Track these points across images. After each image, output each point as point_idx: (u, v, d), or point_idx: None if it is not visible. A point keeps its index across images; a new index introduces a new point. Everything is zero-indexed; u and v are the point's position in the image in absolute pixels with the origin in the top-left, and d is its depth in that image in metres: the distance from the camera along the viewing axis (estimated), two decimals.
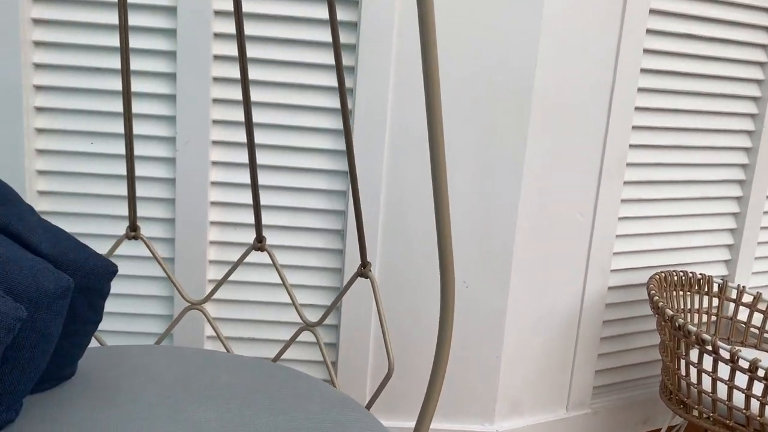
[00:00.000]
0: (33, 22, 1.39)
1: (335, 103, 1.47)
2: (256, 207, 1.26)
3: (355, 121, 1.47)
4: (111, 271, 1.01)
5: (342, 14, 1.43)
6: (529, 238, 1.61)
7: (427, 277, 1.57)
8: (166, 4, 1.39)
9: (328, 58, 1.45)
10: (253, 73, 1.45)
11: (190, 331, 1.54)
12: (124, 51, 1.13)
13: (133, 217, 1.27)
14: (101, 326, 1.53)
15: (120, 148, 1.46)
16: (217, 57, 1.43)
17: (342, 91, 1.07)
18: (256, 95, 1.46)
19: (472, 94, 1.50)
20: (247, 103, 1.17)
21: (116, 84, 1.43)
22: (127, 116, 1.19)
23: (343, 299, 1.55)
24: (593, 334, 1.75)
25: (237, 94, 1.45)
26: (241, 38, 1.12)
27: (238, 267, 1.47)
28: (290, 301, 1.55)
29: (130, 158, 1.22)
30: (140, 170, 1.47)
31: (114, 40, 1.41)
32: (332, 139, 1.49)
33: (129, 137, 1.20)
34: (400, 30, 1.44)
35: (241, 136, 1.47)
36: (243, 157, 1.48)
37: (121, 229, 1.49)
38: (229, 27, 1.42)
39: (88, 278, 0.99)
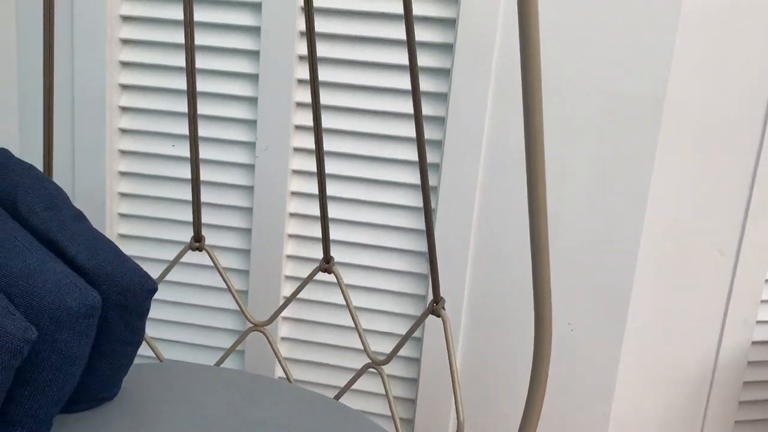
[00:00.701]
0: (121, 19, 1.35)
1: (428, 109, 1.31)
2: (324, 224, 1.12)
3: (447, 132, 1.29)
4: (149, 289, 0.91)
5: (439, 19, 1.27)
6: (652, 276, 1.35)
7: (523, 315, 1.36)
8: (252, 0, 1.30)
9: (424, 60, 1.29)
10: (338, 75, 1.32)
11: (260, 351, 1.44)
12: (190, 48, 1.04)
13: (197, 227, 1.18)
14: (167, 336, 1.47)
15: (202, 152, 1.39)
16: (302, 57, 1.32)
17: (416, 95, 0.91)
18: (341, 100, 1.33)
19: (589, 103, 1.27)
20: (316, 108, 1.04)
21: (202, 84, 1.36)
22: (192, 114, 1.10)
23: (426, 330, 1.38)
24: (730, 396, 1.45)
25: (322, 97, 1.33)
26: (311, 36, 0.99)
27: (306, 286, 1.35)
28: (368, 327, 1.40)
29: (195, 166, 1.13)
30: (218, 176, 1.39)
31: (202, 39, 1.34)
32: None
33: (194, 140, 1.11)
34: (504, 25, 1.26)
35: (324, 144, 1.35)
36: (326, 166, 1.36)
37: None
38: (316, 26, 1.30)
39: (124, 295, 0.90)
